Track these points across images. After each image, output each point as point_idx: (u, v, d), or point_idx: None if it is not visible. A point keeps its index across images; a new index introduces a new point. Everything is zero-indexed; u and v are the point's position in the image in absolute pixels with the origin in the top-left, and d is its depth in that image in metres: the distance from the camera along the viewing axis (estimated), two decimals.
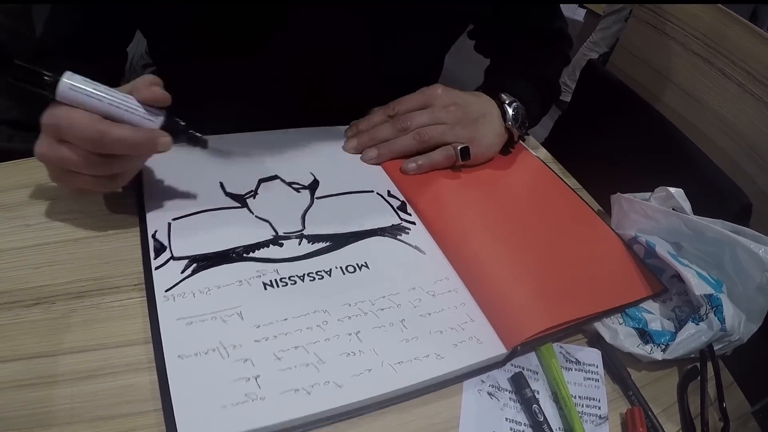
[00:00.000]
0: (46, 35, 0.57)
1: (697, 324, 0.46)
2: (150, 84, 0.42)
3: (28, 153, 0.69)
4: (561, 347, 0.46)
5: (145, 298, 0.40)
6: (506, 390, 0.42)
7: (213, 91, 0.58)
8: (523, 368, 0.43)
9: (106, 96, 0.40)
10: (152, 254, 0.42)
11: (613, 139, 0.67)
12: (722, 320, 0.46)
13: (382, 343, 0.40)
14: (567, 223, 0.57)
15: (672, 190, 0.53)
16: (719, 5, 0.63)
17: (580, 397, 0.43)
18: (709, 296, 0.47)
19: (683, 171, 0.59)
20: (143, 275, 0.41)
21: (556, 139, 0.71)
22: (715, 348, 0.47)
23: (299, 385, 0.36)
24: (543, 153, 0.71)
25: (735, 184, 0.55)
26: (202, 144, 0.46)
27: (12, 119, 0.75)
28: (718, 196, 0.56)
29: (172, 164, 0.49)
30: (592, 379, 0.45)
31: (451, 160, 0.58)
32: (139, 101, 0.41)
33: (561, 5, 0.70)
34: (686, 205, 0.53)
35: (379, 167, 0.58)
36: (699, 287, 0.48)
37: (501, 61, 0.72)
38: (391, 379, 0.38)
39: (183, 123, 0.44)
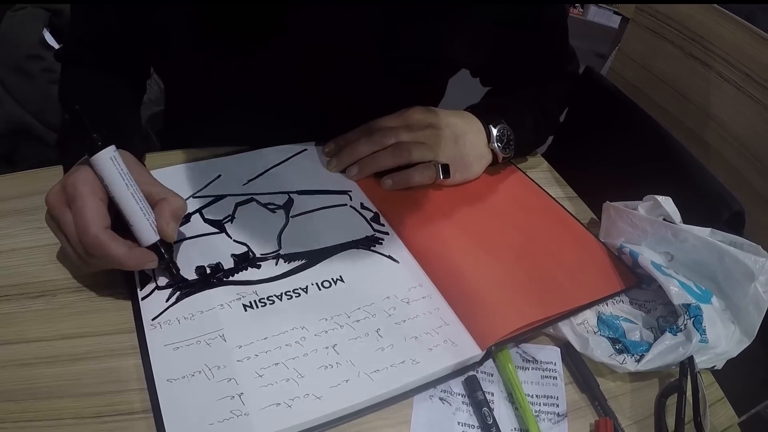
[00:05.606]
0: (69, 41, 0.59)
1: (675, 335, 0.45)
2: (173, 217, 0.43)
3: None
4: (518, 347, 0.46)
5: (134, 326, 0.42)
6: (459, 394, 0.42)
7: (215, 96, 0.60)
8: (477, 371, 0.43)
9: (132, 186, 0.41)
10: (138, 285, 0.44)
11: (609, 146, 0.65)
12: (702, 331, 0.44)
13: (359, 353, 0.42)
14: (540, 227, 0.56)
15: (660, 198, 0.52)
16: (715, 5, 0.60)
17: (537, 395, 0.43)
18: (687, 306, 0.45)
19: (677, 178, 0.57)
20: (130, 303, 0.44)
21: (554, 147, 0.70)
22: (699, 361, 0.45)
23: (280, 399, 0.38)
24: (538, 160, 0.70)
25: (728, 190, 0.52)
26: (177, 279, 0.45)
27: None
28: (710, 204, 0.53)
29: None
30: (550, 377, 0.44)
31: (430, 179, 0.57)
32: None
33: (597, 11, 0.68)
34: (675, 214, 0.51)
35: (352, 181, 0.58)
36: (678, 296, 0.46)
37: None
38: (368, 388, 0.40)
39: (172, 248, 0.45)
